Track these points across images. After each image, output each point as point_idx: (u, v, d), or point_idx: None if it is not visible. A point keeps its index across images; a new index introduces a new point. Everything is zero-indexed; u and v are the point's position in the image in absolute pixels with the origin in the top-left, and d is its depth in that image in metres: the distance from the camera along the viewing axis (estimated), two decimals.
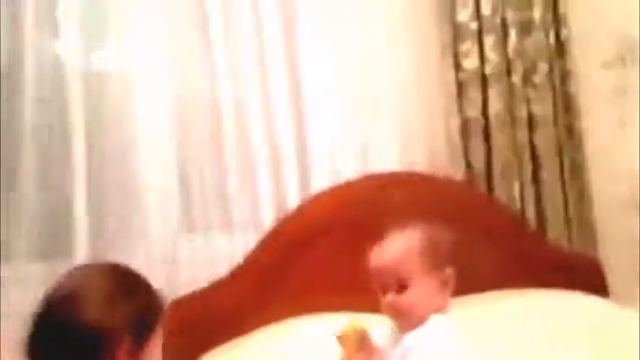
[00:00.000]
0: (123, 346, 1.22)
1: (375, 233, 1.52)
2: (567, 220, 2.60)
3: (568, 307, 2.18)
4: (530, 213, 2.56)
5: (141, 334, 1.25)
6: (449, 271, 1.39)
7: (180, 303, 2.22)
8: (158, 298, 1.32)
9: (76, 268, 1.36)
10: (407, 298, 1.35)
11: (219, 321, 2.19)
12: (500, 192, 2.55)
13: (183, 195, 2.34)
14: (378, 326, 1.47)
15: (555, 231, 2.58)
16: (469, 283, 2.24)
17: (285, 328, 2.14)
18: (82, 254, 2.22)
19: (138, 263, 2.20)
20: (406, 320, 1.37)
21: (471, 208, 2.47)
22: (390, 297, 1.36)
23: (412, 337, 1.34)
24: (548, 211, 2.58)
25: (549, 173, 2.58)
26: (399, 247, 1.39)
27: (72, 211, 2.23)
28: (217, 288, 2.28)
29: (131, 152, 2.30)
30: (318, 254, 2.30)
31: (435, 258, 1.37)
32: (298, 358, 1.98)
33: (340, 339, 1.41)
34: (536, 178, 2.58)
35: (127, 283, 1.29)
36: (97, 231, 2.25)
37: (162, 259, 2.29)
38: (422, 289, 1.36)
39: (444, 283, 1.38)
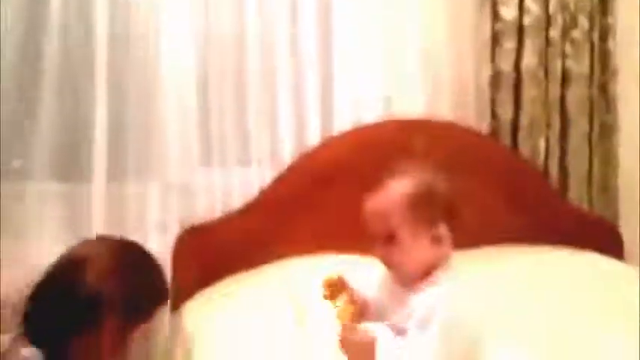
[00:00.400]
0: (109, 323, 1.24)
1: (393, 178, 1.49)
2: (590, 182, 2.57)
3: (580, 266, 2.17)
4: (553, 171, 2.53)
5: (131, 316, 1.26)
6: (442, 229, 1.29)
7: (193, 231, 2.23)
8: (160, 290, 1.32)
9: (90, 239, 1.39)
10: (395, 251, 1.28)
11: (231, 251, 2.21)
12: (524, 148, 2.51)
13: (203, 127, 2.32)
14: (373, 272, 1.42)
15: (577, 192, 2.54)
16: (484, 235, 2.28)
17: (296, 264, 2.15)
18: (100, 177, 2.23)
19: (153, 190, 2.28)
20: (397, 273, 1.32)
21: (493, 161, 2.44)
22: (379, 247, 1.30)
23: (424, 301, 1.26)
24: (572, 171, 2.54)
25: (577, 133, 2.53)
26: (390, 196, 1.30)
27: (92, 134, 2.22)
28: (231, 219, 2.28)
29: (153, 81, 2.27)
30: (336, 193, 2.29)
31: (427, 212, 1.27)
32: (307, 296, 1.99)
33: (324, 289, 1.39)
34: (563, 137, 2.54)
35: (131, 264, 1.30)
36: (115, 155, 2.25)
37: (178, 187, 2.30)
38: (410, 242, 1.27)
39: (436, 240, 1.29)
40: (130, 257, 1.31)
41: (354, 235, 2.22)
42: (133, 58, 2.27)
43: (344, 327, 1.32)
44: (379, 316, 1.36)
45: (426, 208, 1.28)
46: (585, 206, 2.55)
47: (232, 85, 2.34)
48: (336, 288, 1.38)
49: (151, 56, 2.27)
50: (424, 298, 1.27)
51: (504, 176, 2.44)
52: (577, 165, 2.54)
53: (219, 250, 2.21)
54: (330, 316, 1.84)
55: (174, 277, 2.12)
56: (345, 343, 1.31)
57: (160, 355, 2.11)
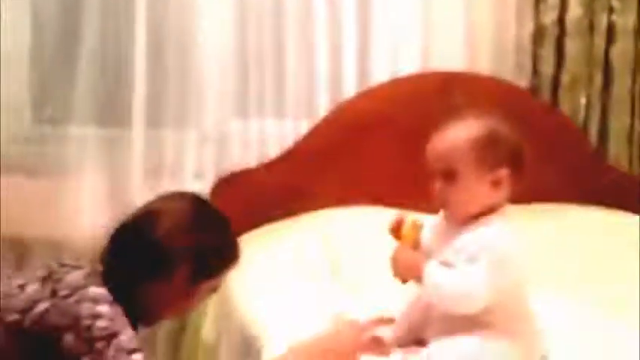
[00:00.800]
0: (181, 272, 1.28)
1: (431, 131, 1.48)
2: (630, 142, 2.52)
3: (616, 225, 2.15)
4: (593, 130, 2.49)
5: (202, 269, 1.30)
6: (503, 172, 1.30)
7: (229, 179, 2.26)
8: (231, 250, 1.36)
9: (171, 193, 1.43)
10: (453, 190, 1.29)
11: (266, 200, 2.23)
12: (565, 104, 2.46)
13: (241, 79, 2.32)
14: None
15: (616, 151, 2.50)
16: (521, 192, 2.26)
17: (330, 215, 2.17)
18: (139, 123, 2.25)
19: (191, 138, 2.31)
20: (452, 212, 1.33)
21: (531, 118, 2.40)
22: (438, 185, 1.31)
23: (476, 238, 1.29)
24: (612, 130, 2.50)
25: (620, 90, 2.47)
26: (455, 135, 1.31)
27: (132, 80, 2.24)
28: (267, 168, 2.30)
29: (193, 31, 2.27)
30: (371, 145, 2.29)
31: (490, 154, 1.29)
32: (341, 246, 2.01)
33: (398, 232, 1.38)
34: (605, 94, 2.48)
35: (207, 220, 1.34)
36: (154, 102, 2.27)
37: (215, 136, 2.32)
38: (470, 183, 1.28)
39: (496, 183, 1.29)
40: (206, 214, 1.35)
41: (389, 186, 2.26)
42: (173, 7, 2.27)
43: (397, 247, 1.35)
44: (428, 256, 1.38)
45: (491, 150, 1.30)
46: (625, 166, 2.51)
47: (270, 36, 2.33)
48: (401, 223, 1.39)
49: (190, 6, 2.27)
50: (475, 236, 1.29)
51: (543, 133, 2.40)
52: (618, 123, 2.49)
53: (254, 198, 2.24)
54: (364, 267, 1.89)
55: None
56: (396, 261, 1.34)
57: None
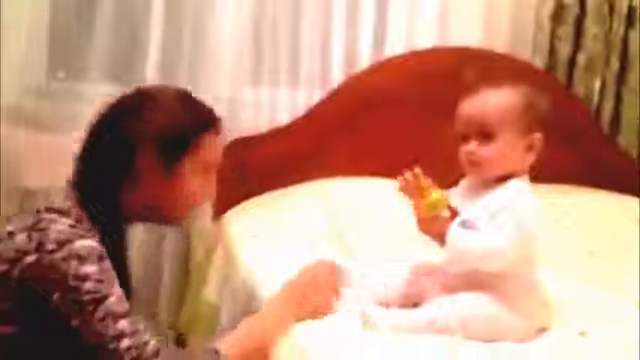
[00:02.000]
0: (144, 158, 1.23)
1: (443, 108, 1.48)
2: None
3: (622, 210, 2.15)
4: (606, 114, 2.47)
5: (167, 148, 1.24)
6: (538, 136, 1.35)
7: (238, 143, 2.27)
8: (195, 115, 1.28)
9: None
10: (489, 150, 1.33)
11: (274, 167, 2.24)
12: (579, 86, 2.45)
13: (255, 46, 2.32)
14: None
15: (628, 137, 2.49)
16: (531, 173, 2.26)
17: (336, 184, 2.18)
18: (152, 83, 2.26)
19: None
20: (481, 172, 1.36)
21: (546, 98, 2.39)
22: (473, 145, 1.34)
23: (500, 197, 1.33)
24: (625, 116, 2.48)
25: (636, 76, 2.45)
26: (494, 98, 1.35)
27: (147, 37, 2.25)
28: (276, 135, 2.31)
29: None
30: (382, 118, 2.29)
31: (527, 118, 1.33)
32: (345, 216, 2.03)
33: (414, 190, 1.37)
34: (620, 79, 2.46)
35: (154, 97, 1.28)
36: (168, 64, 2.27)
37: (227, 102, 2.32)
38: (506, 145, 1.32)
39: (529, 147, 1.35)
40: (152, 95, 1.30)
41: (397, 160, 2.25)
42: None
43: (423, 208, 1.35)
44: None
45: (527, 115, 1.34)
46: (634, 152, 2.50)
47: (286, 6, 2.32)
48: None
49: None
50: (496, 195, 1.33)
51: (555, 114, 2.39)
52: (631, 110, 2.47)
53: (263, 164, 2.25)
54: (366, 236, 1.90)
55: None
56: (421, 221, 1.35)
57: (200, 256, 2.20)
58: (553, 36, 2.42)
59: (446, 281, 1.37)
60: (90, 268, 1.15)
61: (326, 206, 2.06)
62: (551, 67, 2.45)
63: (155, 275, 2.33)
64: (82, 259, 1.15)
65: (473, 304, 1.32)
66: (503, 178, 1.36)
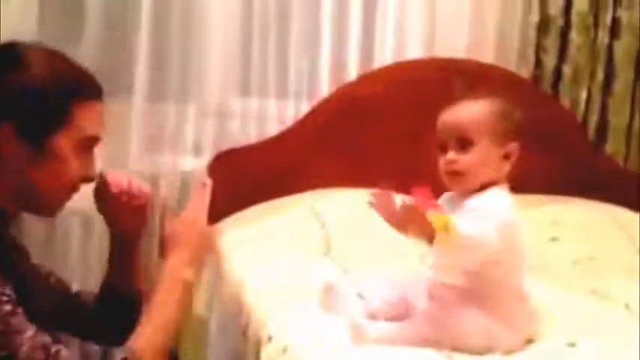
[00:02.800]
0: (4, 134, 1.05)
1: (429, 117, 1.50)
2: (629, 138, 2.53)
3: (608, 219, 2.17)
4: (592, 123, 2.50)
5: (30, 120, 1.06)
6: (514, 145, 1.38)
7: (227, 155, 2.27)
8: (62, 81, 1.09)
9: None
10: (468, 158, 1.36)
11: (263, 178, 2.24)
12: (565, 97, 2.47)
13: (244, 57, 2.32)
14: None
15: (614, 146, 2.51)
16: (514, 181, 2.27)
17: (326, 195, 2.18)
18: (140, 95, 2.26)
19: (191, 113, 2.31)
20: (462, 182, 1.38)
21: (531, 108, 2.40)
22: (452, 154, 1.37)
23: (474, 200, 1.36)
24: (611, 125, 2.51)
25: (621, 86, 2.48)
26: (471, 108, 1.39)
27: (135, 53, 2.24)
28: (265, 146, 2.32)
29: (198, 7, 2.27)
30: (371, 129, 2.30)
31: (503, 127, 1.37)
32: (335, 227, 2.03)
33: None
34: (606, 88, 2.49)
35: (9, 63, 1.09)
36: (156, 76, 2.27)
37: (215, 113, 2.32)
38: (485, 152, 1.35)
39: (506, 156, 1.38)
40: (11, 58, 1.09)
41: (386, 170, 2.27)
42: None
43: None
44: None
45: (504, 124, 1.38)
46: (621, 162, 2.52)
47: (275, 16, 2.33)
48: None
49: None
50: (478, 201, 1.36)
51: (542, 124, 2.41)
52: (617, 119, 2.49)
53: (252, 175, 2.25)
54: (355, 248, 1.90)
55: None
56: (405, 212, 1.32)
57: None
58: (538, 47, 2.44)
59: (435, 293, 1.37)
60: None
61: (316, 218, 2.06)
62: (537, 78, 2.47)
63: None
64: None
65: (463, 316, 1.33)
66: (482, 188, 1.38)
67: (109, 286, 1.31)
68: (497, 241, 1.30)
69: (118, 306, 1.30)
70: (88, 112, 1.11)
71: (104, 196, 1.23)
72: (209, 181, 1.22)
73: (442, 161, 1.39)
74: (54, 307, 1.23)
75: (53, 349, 1.02)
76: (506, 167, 1.39)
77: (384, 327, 1.36)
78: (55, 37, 2.23)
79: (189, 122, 2.32)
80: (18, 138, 1.06)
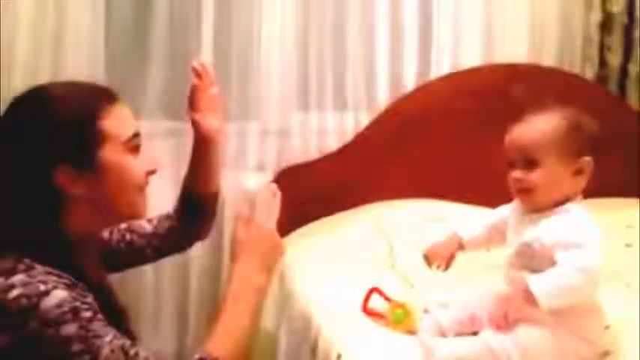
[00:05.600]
0: (59, 171, 1.11)
1: (492, 126, 1.48)
2: None
3: None
4: None
5: (79, 151, 1.11)
6: (587, 159, 1.34)
7: (290, 171, 2.29)
8: (90, 100, 1.14)
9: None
10: (534, 176, 1.32)
11: (326, 193, 2.25)
12: (632, 96, 2.40)
13: (301, 72, 2.34)
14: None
15: None
16: (586, 186, 2.21)
17: (390, 207, 2.17)
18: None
19: (253, 131, 2.34)
20: (531, 200, 1.36)
21: (598, 111, 2.33)
22: (518, 173, 1.35)
23: (564, 227, 1.32)
24: None
25: None
26: (537, 125, 1.35)
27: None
28: (327, 161, 2.33)
29: (256, 26, 2.29)
30: (431, 140, 2.28)
31: (573, 144, 1.33)
32: (399, 241, 2.02)
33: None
34: None
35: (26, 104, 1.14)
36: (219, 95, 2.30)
37: (276, 129, 2.35)
38: (551, 172, 1.32)
39: (578, 172, 1.34)
40: (30, 108, 1.14)
41: (448, 181, 2.24)
42: (238, 2, 2.30)
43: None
44: (502, 237, 1.43)
45: (572, 140, 1.34)
46: None
47: (331, 29, 2.34)
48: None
49: (254, 1, 2.30)
50: (558, 224, 1.32)
51: (610, 125, 2.33)
52: None
53: (315, 191, 2.26)
54: (419, 260, 1.89)
55: None
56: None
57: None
58: (602, 47, 2.38)
59: (504, 309, 1.34)
60: (69, 330, 1.03)
61: (379, 231, 2.06)
62: (602, 78, 2.40)
63: (182, 298, 2.32)
64: (55, 322, 1.02)
65: (533, 334, 1.30)
66: (555, 204, 1.35)
67: (189, 187, 1.48)
68: (587, 290, 1.29)
69: (196, 206, 1.48)
70: (115, 118, 1.15)
71: (194, 98, 1.45)
72: (278, 192, 1.24)
73: (510, 177, 1.37)
74: (147, 249, 1.43)
75: (132, 351, 1.07)
76: (580, 182, 1.35)
77: (453, 344, 1.35)
78: (123, 63, 2.31)
79: (251, 141, 2.35)
80: (76, 173, 1.12)
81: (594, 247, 1.29)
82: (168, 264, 2.26)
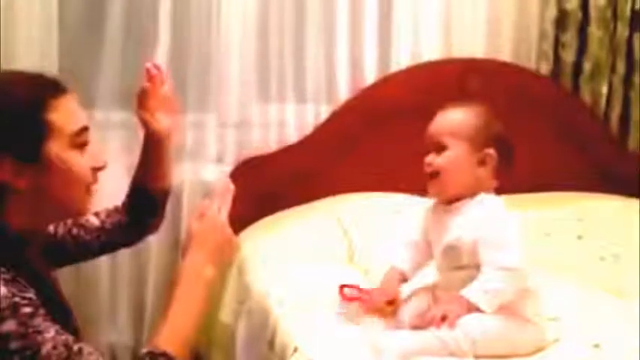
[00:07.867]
0: (3, 164, 1.08)
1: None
2: None
3: (633, 215, 2.15)
4: (614, 118, 2.47)
5: (21, 146, 1.08)
6: (490, 151, 1.42)
7: (249, 163, 2.28)
8: (35, 91, 1.11)
9: None
10: (440, 160, 1.42)
11: (285, 185, 2.25)
12: (586, 92, 2.45)
13: (261, 63, 2.34)
14: None
15: (637, 140, 2.48)
16: (540, 178, 2.27)
17: (349, 200, 2.19)
18: None
19: (211, 122, 2.33)
20: (437, 184, 1.44)
21: (552, 105, 2.40)
22: (429, 157, 1.44)
23: (479, 225, 1.39)
24: (634, 119, 2.48)
25: None
26: (450, 115, 1.46)
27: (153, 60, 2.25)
28: (286, 153, 2.33)
29: (215, 17, 2.27)
30: (390, 132, 2.30)
31: (479, 135, 1.42)
32: (358, 234, 2.04)
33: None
34: (627, 82, 2.46)
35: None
36: (176, 86, 2.27)
37: (235, 121, 2.33)
38: (457, 157, 1.41)
39: (481, 162, 1.42)
40: None
41: (406, 173, 2.26)
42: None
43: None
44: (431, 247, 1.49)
45: (481, 131, 1.43)
46: None
47: (291, 21, 2.34)
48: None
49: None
50: (473, 213, 1.41)
51: (563, 120, 2.40)
52: (639, 113, 2.47)
53: (274, 183, 2.27)
54: (378, 253, 1.91)
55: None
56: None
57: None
58: (557, 43, 2.42)
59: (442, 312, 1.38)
60: (8, 326, 1.01)
61: (338, 224, 2.07)
62: (556, 74, 2.45)
63: (139, 291, 2.30)
64: None
65: (482, 323, 1.34)
66: (463, 197, 1.43)
67: (138, 183, 1.47)
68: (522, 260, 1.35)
69: (146, 202, 1.47)
70: (62, 110, 1.12)
71: (143, 99, 1.43)
72: (232, 186, 1.24)
73: (424, 166, 1.46)
74: (93, 243, 1.41)
75: (76, 346, 1.05)
76: (483, 173, 1.43)
77: (404, 337, 1.37)
78: (75, 48, 2.27)
79: (210, 132, 2.33)
80: (19, 166, 1.09)
81: (514, 242, 1.38)
82: (125, 256, 2.25)
